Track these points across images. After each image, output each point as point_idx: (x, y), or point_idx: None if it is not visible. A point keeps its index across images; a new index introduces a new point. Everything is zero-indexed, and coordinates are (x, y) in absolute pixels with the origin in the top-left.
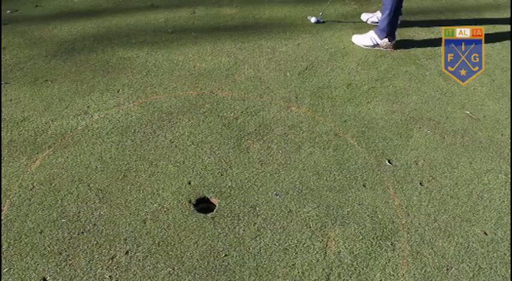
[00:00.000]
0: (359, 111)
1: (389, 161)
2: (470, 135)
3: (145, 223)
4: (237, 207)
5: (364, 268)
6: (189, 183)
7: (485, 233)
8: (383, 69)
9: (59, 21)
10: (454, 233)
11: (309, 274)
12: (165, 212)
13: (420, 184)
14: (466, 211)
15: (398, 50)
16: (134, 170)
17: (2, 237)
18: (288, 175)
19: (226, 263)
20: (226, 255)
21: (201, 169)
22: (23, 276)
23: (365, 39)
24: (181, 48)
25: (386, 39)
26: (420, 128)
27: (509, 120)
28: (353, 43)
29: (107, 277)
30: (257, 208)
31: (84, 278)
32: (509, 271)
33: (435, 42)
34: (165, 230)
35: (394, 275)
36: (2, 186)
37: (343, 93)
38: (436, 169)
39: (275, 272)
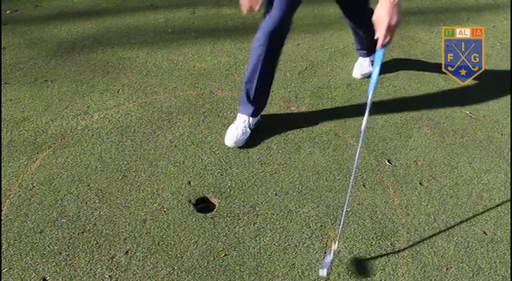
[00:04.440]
0: (359, 111)
1: (388, 161)
2: (470, 135)
3: (145, 222)
4: (236, 207)
5: (364, 268)
6: (189, 183)
7: (484, 232)
8: (383, 69)
9: (59, 21)
10: (453, 233)
11: (308, 274)
12: (165, 212)
13: (420, 183)
14: (466, 210)
15: (398, 50)
16: (134, 170)
17: (2, 237)
18: (288, 175)
19: (226, 263)
20: (226, 255)
21: (201, 169)
22: (23, 276)
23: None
24: (181, 48)
25: None
26: (420, 128)
27: (508, 120)
28: (352, 43)
29: (107, 276)
30: (257, 208)
31: (84, 278)
32: (509, 270)
33: (435, 42)
34: (165, 230)
35: (393, 274)
36: (2, 186)
37: (343, 93)
38: (435, 169)
39: (275, 272)
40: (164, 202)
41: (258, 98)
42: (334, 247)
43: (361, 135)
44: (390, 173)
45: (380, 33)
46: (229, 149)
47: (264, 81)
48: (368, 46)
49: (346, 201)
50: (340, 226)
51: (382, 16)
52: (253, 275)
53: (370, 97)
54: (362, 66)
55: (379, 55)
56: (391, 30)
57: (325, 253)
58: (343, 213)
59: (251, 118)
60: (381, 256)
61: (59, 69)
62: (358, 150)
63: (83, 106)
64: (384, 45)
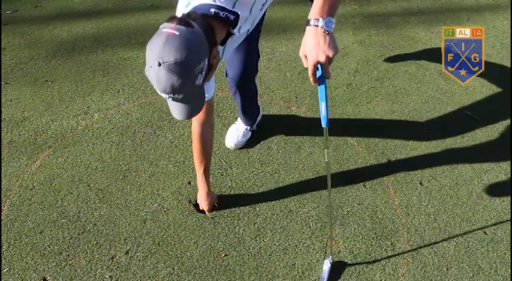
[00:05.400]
0: (359, 111)
1: (389, 161)
2: (470, 135)
3: (145, 223)
4: (237, 207)
5: (364, 268)
6: (189, 183)
7: (485, 232)
8: (383, 69)
9: (59, 21)
10: (453, 233)
11: (309, 274)
12: (165, 212)
13: (420, 183)
14: (466, 210)
15: (398, 50)
16: (134, 170)
17: (2, 237)
18: (288, 175)
19: (226, 263)
20: (226, 255)
21: None
22: (23, 276)
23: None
24: None
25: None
26: (420, 128)
27: (509, 120)
28: (352, 43)
29: (107, 277)
30: (257, 208)
31: (84, 278)
32: (509, 270)
33: (435, 42)
34: (165, 230)
35: (394, 274)
36: (2, 186)
37: (343, 93)
38: (436, 169)
39: (275, 272)
40: (164, 202)
41: (249, 115)
42: (330, 259)
43: (326, 157)
44: (390, 173)
45: (309, 73)
46: (230, 149)
47: (249, 107)
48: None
49: (330, 208)
50: (331, 232)
51: (308, 52)
52: (253, 275)
53: (325, 134)
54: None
55: (321, 91)
56: (324, 67)
57: (324, 259)
58: (332, 218)
59: (252, 125)
60: (381, 256)
61: (59, 69)
62: (329, 177)
63: (83, 106)
64: (321, 82)
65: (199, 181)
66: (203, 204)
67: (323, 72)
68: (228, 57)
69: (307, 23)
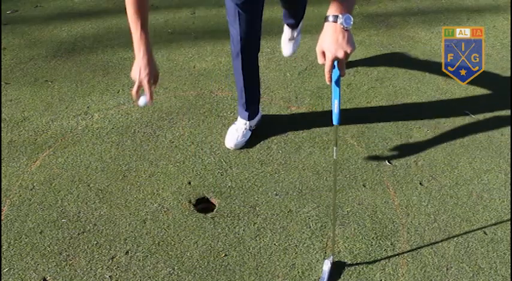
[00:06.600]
0: (359, 111)
1: (389, 161)
2: (470, 135)
3: (145, 223)
4: (237, 207)
5: (364, 268)
6: (189, 183)
7: (485, 232)
8: (383, 69)
9: (59, 22)
10: (453, 233)
11: (309, 274)
12: (165, 212)
13: (420, 183)
14: (466, 210)
15: (398, 50)
16: (134, 170)
17: (2, 237)
18: (288, 175)
19: (226, 263)
20: (226, 255)
21: (201, 169)
22: (23, 276)
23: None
24: (181, 48)
25: None
26: (420, 128)
27: (508, 120)
28: None
29: (107, 277)
30: (257, 208)
31: (84, 278)
32: (509, 270)
33: (435, 42)
34: (165, 230)
35: (393, 275)
36: (2, 186)
37: (343, 93)
38: (435, 169)
39: (275, 272)
40: (164, 202)
41: (250, 105)
42: (330, 259)
43: (334, 154)
44: (390, 173)
45: (326, 69)
46: (230, 149)
47: (251, 89)
48: (298, 20)
49: (333, 209)
50: (333, 231)
51: (326, 48)
52: (253, 275)
53: (335, 131)
54: (286, 36)
55: (335, 89)
56: (340, 64)
57: (324, 259)
58: (333, 218)
59: (250, 120)
60: (381, 256)
61: (59, 69)
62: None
63: (83, 106)
64: (336, 79)
65: (137, 43)
66: (142, 73)
67: (339, 69)
68: (231, 17)
69: (326, 19)
